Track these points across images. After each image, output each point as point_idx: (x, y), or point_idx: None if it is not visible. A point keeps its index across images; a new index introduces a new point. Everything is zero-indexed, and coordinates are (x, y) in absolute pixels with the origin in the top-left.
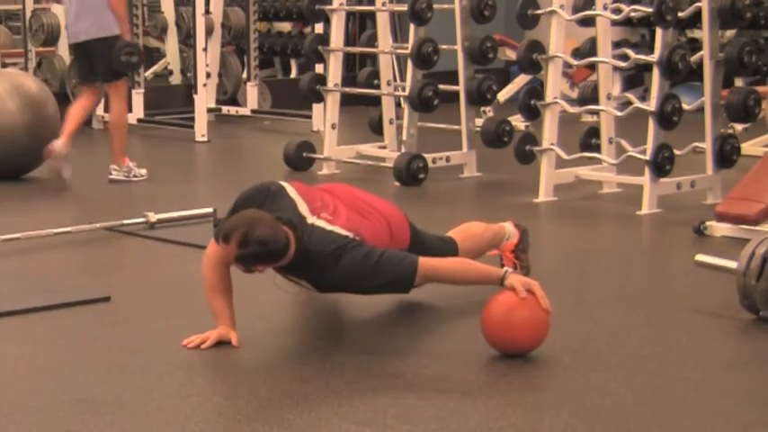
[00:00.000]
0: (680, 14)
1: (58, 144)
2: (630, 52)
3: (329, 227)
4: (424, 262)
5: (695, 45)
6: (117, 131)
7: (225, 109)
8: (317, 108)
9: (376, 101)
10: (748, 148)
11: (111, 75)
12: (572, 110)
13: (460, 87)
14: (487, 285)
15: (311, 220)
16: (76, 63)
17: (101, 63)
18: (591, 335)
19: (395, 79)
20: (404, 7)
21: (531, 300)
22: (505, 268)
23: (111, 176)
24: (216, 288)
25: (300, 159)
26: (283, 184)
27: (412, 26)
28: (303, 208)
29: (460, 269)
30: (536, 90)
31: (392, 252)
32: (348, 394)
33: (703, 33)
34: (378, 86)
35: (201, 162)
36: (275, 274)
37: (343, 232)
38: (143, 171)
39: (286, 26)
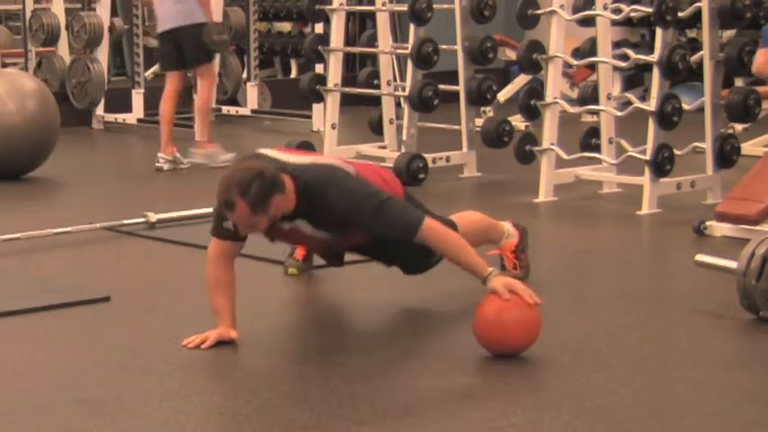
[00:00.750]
0: (680, 14)
1: (162, 156)
2: (630, 52)
3: (323, 160)
4: (430, 221)
5: (695, 45)
6: (200, 115)
7: (225, 109)
8: (316, 108)
9: (376, 101)
10: (748, 148)
11: (199, 59)
12: (572, 110)
13: (460, 87)
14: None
15: (301, 160)
16: (163, 50)
17: (189, 48)
18: (591, 335)
19: (395, 79)
20: (404, 7)
21: (519, 300)
22: (490, 269)
23: (192, 159)
24: (217, 286)
25: None
26: (260, 150)
27: (412, 26)
28: (288, 157)
29: (458, 245)
30: (536, 90)
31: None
32: (348, 394)
33: (703, 33)
34: (378, 86)
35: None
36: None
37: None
38: (230, 155)
39: (286, 26)
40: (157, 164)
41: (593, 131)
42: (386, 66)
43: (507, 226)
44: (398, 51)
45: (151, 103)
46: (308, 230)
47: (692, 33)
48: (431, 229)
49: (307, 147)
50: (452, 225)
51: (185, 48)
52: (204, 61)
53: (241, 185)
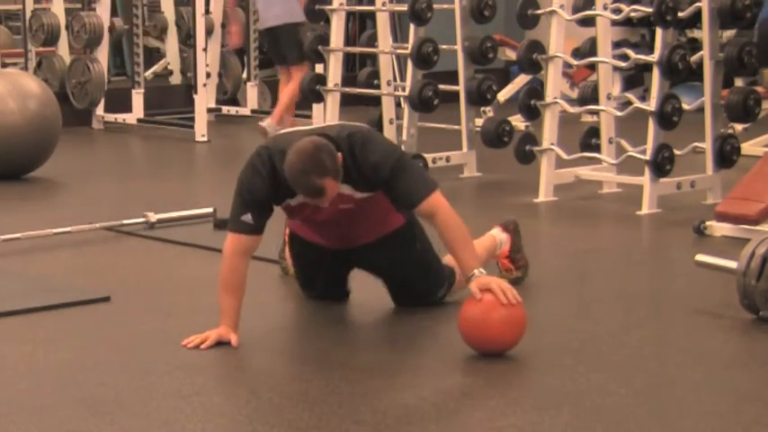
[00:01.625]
0: (680, 14)
1: (267, 122)
2: (630, 52)
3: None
4: (441, 196)
5: (695, 45)
6: (287, 98)
7: (225, 109)
8: (317, 108)
9: (376, 101)
10: (748, 148)
11: (296, 57)
12: (572, 110)
13: (460, 87)
14: None
15: (327, 126)
16: (268, 47)
17: (287, 46)
18: (591, 335)
19: (395, 79)
20: (404, 7)
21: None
22: (474, 270)
23: (261, 123)
24: (228, 286)
25: None
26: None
27: (412, 26)
28: (312, 128)
29: (460, 237)
30: (536, 90)
31: None
32: (348, 394)
33: (703, 33)
34: (378, 86)
35: (201, 162)
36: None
37: None
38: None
39: None
40: (261, 123)
41: (593, 131)
42: (386, 66)
43: (497, 234)
44: (398, 51)
45: (151, 103)
46: (345, 191)
47: (692, 33)
48: (443, 201)
49: None
50: (452, 272)
51: (282, 46)
52: (298, 62)
53: (316, 167)
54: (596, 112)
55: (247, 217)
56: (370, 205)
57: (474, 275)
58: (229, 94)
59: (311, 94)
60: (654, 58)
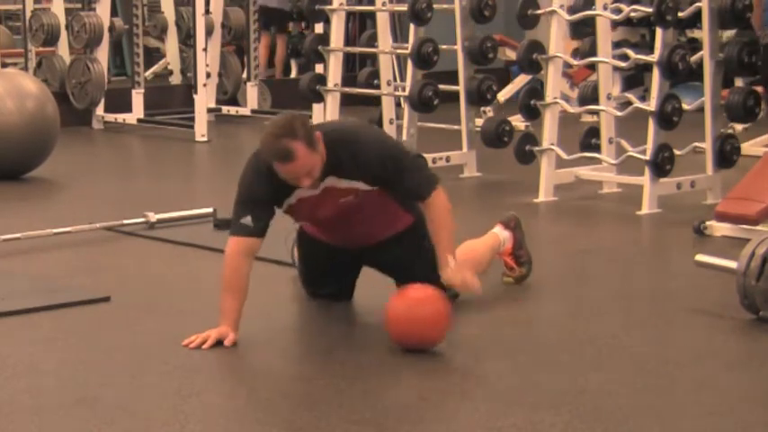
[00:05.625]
0: (680, 14)
1: None
2: (630, 52)
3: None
4: (442, 192)
5: (695, 45)
6: None
7: (225, 109)
8: (317, 108)
9: (376, 101)
10: (748, 148)
11: None
12: (572, 110)
13: (460, 87)
14: (488, 284)
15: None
16: None
17: None
18: (591, 335)
19: (395, 79)
20: (404, 7)
21: (431, 295)
22: (450, 264)
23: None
24: (230, 288)
25: None
26: None
27: (412, 26)
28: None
29: (450, 228)
30: (536, 90)
31: None
32: (348, 394)
33: (703, 33)
34: (378, 86)
35: (201, 162)
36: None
37: None
38: None
39: None
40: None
41: (593, 131)
42: (386, 66)
43: (499, 232)
44: (398, 51)
45: (151, 103)
46: (342, 185)
47: (692, 33)
48: (443, 196)
49: None
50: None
51: None
52: None
53: (287, 130)
54: (596, 112)
55: (247, 219)
56: (375, 203)
57: (445, 269)
58: (229, 94)
59: (311, 93)
60: (654, 58)
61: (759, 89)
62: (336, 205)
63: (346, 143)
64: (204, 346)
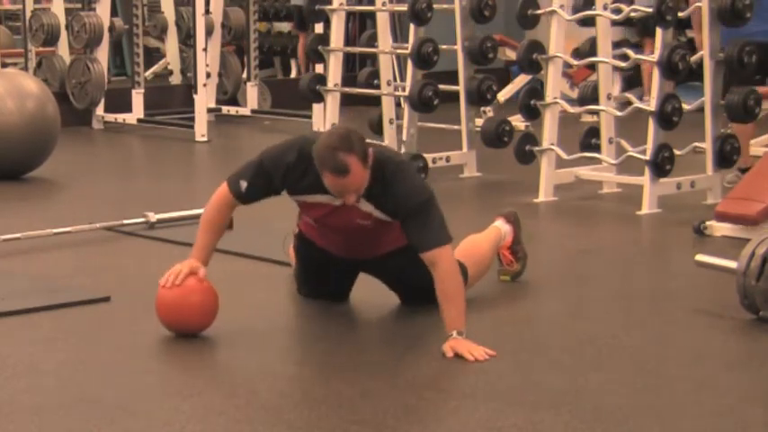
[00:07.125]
0: (680, 14)
1: None
2: (630, 52)
3: None
4: (451, 251)
5: (695, 45)
6: None
7: (225, 109)
8: (317, 108)
9: (376, 101)
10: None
11: None
12: (572, 110)
13: (460, 87)
14: (487, 284)
15: None
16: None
17: None
18: (591, 335)
19: (395, 79)
20: (404, 7)
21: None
22: (453, 331)
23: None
24: (210, 226)
25: None
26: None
27: (412, 26)
28: None
29: (453, 292)
30: (536, 90)
31: None
32: (348, 394)
33: (703, 33)
34: (378, 86)
35: (201, 162)
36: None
37: None
38: None
39: (286, 26)
40: None
41: (594, 131)
42: (386, 66)
43: (501, 225)
44: (398, 51)
45: (151, 103)
46: (364, 208)
47: (692, 33)
48: (450, 257)
49: None
50: (464, 270)
51: None
52: None
53: (344, 143)
54: (596, 112)
55: (244, 184)
56: (386, 229)
57: (452, 336)
58: (229, 94)
59: (311, 93)
60: (654, 58)
61: (759, 89)
62: (350, 222)
63: (388, 168)
64: (177, 282)
